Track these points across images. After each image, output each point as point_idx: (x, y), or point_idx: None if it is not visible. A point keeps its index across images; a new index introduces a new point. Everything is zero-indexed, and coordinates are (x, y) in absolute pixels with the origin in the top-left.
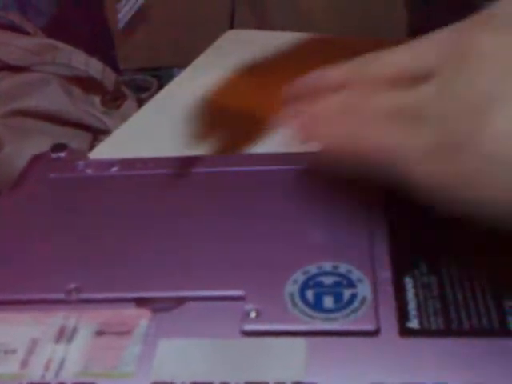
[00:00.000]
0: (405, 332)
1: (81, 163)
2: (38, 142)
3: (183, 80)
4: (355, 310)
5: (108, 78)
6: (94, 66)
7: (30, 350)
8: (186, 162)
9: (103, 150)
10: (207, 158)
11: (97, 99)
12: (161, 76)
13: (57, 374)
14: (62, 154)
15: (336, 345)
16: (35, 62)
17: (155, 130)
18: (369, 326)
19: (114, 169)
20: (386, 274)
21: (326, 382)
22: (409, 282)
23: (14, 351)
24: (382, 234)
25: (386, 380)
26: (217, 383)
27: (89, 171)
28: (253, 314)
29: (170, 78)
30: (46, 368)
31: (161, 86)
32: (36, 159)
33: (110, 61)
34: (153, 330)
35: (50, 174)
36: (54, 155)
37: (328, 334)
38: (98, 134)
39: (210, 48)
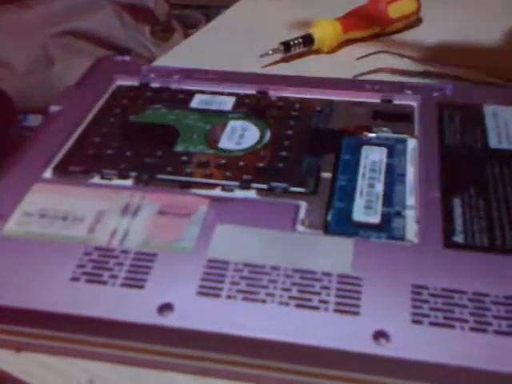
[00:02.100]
0: (449, 244)
1: (144, 67)
2: (88, 62)
3: (231, 13)
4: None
5: (160, 8)
6: None
7: (97, 220)
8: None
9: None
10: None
11: (147, 29)
12: (209, 15)
13: (121, 242)
14: (126, 58)
15: (382, 249)
16: None
17: (201, 59)
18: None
19: (176, 76)
20: (435, 193)
21: (370, 278)
22: (457, 202)
23: (81, 219)
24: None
25: (426, 283)
26: (267, 267)
27: (151, 75)
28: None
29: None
30: (112, 236)
31: None
32: (102, 60)
33: None
34: (211, 215)
35: (115, 74)
36: (118, 58)
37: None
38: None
39: None
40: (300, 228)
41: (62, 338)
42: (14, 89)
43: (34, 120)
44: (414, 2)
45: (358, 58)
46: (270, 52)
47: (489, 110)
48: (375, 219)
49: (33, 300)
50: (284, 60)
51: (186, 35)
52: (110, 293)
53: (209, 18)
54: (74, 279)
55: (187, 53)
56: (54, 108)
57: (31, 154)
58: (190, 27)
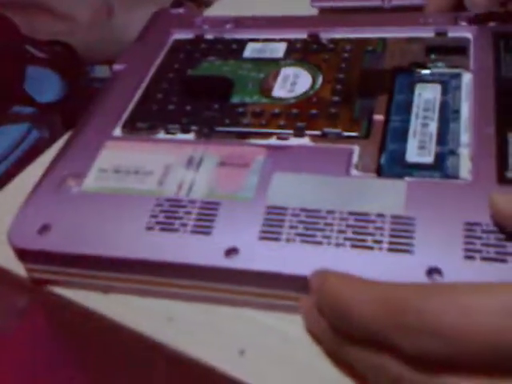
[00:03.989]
0: (503, 180)
1: (198, 19)
2: (146, 11)
3: None
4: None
5: None
6: None
7: (165, 173)
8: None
9: (214, 12)
10: None
11: None
12: None
13: (188, 193)
14: (181, 10)
15: (435, 188)
16: None
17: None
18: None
19: (229, 25)
20: (489, 129)
21: (423, 218)
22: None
23: (151, 173)
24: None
25: (479, 220)
26: (323, 211)
27: (205, 27)
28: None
29: None
30: (179, 188)
31: None
32: (158, 14)
33: None
34: (268, 164)
35: (172, 29)
36: (173, 11)
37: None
38: (203, 6)
39: None
40: (354, 172)
41: (143, 281)
42: (79, 42)
43: (100, 71)
44: None
45: None
46: None
47: None
48: (429, 159)
49: (115, 248)
50: None
51: None
52: (181, 239)
53: None
54: (150, 228)
55: None
56: (116, 67)
57: (100, 114)
58: None
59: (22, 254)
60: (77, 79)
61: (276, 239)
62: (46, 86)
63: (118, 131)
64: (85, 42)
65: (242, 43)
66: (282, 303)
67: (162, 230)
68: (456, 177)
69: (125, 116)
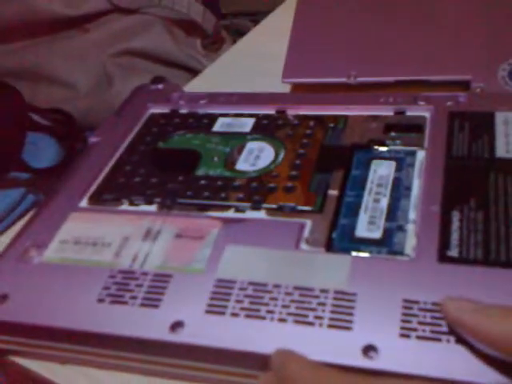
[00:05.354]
0: (444, 259)
1: (175, 95)
2: (144, 80)
3: (272, 20)
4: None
5: (208, 21)
6: (195, 10)
7: (122, 245)
8: None
9: (196, 84)
10: None
11: (197, 42)
12: (258, 20)
13: (141, 265)
14: (160, 86)
15: (378, 263)
16: (143, 5)
17: (244, 67)
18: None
19: (203, 101)
20: (435, 206)
21: (364, 294)
22: (455, 216)
23: (109, 244)
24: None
25: (417, 298)
26: (270, 285)
27: (181, 102)
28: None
29: None
30: (134, 260)
31: None
32: (138, 89)
33: (212, 5)
34: (222, 237)
35: (149, 103)
36: (153, 87)
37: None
38: (197, 75)
39: None
40: (303, 246)
41: (95, 353)
42: (78, 109)
43: None
44: None
45: None
46: None
47: (500, 117)
48: (377, 234)
49: (67, 320)
50: None
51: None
52: (129, 312)
53: (257, 24)
54: (101, 300)
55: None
56: (92, 140)
57: (70, 185)
58: (240, 35)
59: None
60: (74, 145)
61: (221, 313)
62: (43, 151)
63: (84, 202)
64: (84, 109)
65: (214, 118)
66: (223, 378)
67: (113, 302)
68: (401, 253)
69: (93, 187)
